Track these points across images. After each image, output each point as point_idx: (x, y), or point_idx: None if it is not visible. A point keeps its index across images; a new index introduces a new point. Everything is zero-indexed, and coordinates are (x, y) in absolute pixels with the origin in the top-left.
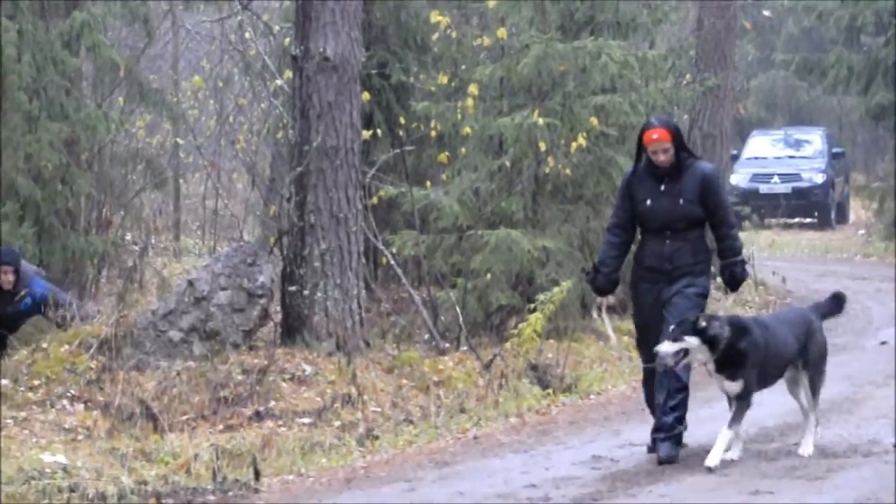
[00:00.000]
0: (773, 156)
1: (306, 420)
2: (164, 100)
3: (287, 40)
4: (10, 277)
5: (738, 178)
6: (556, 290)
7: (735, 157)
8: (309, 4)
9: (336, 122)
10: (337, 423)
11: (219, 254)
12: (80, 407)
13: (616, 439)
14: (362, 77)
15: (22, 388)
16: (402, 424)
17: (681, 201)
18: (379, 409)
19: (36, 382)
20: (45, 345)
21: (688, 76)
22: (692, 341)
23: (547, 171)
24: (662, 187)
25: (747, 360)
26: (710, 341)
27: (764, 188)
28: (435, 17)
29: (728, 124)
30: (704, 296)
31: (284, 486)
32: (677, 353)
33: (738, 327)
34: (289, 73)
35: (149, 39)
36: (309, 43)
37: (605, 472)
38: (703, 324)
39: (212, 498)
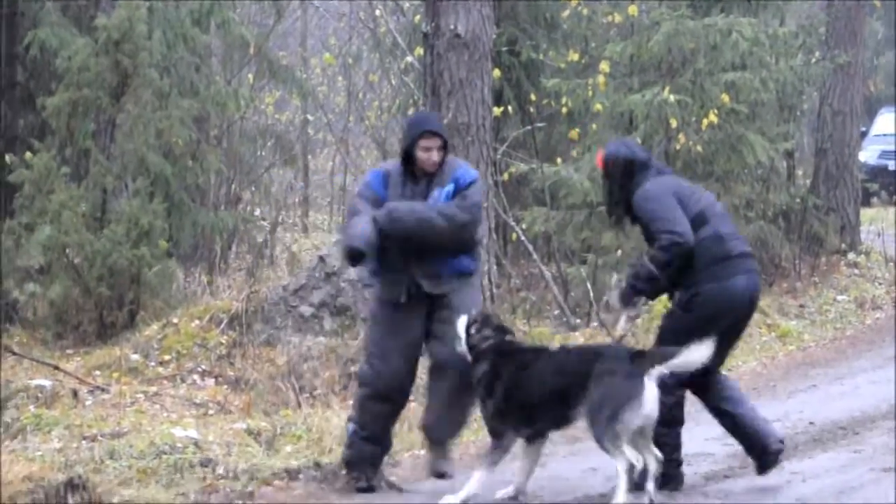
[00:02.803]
0: None
1: None
2: (293, 76)
3: (417, 17)
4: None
5: (867, 154)
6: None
7: (864, 135)
8: None
9: (467, 98)
10: None
11: None
12: (211, 382)
13: None
14: (493, 54)
15: (153, 363)
16: None
17: None
18: None
19: (167, 357)
20: (175, 320)
21: (818, 53)
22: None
23: (677, 147)
24: None
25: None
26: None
27: (893, 165)
28: None
29: (858, 102)
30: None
31: (416, 460)
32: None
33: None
34: (419, 50)
35: (278, 16)
36: (440, 20)
37: (737, 449)
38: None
39: (345, 473)
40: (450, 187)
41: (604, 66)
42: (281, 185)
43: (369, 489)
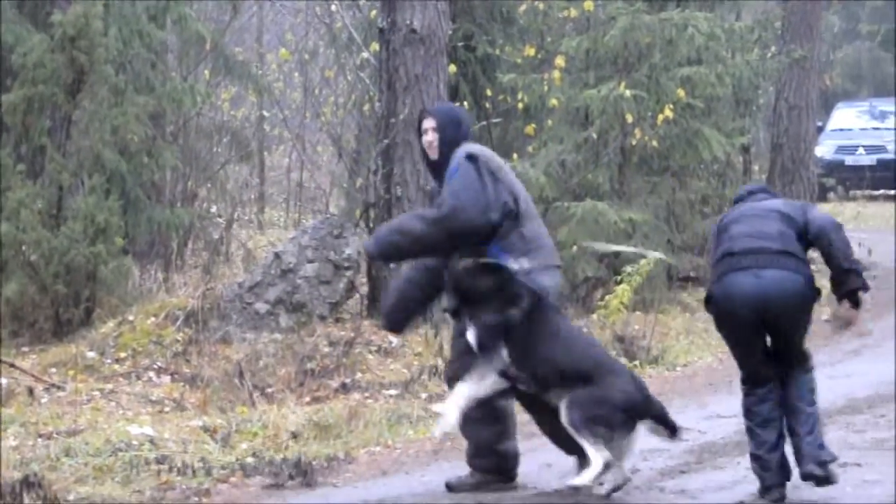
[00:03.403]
0: (858, 127)
1: (393, 392)
2: (249, 72)
3: (373, 13)
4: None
5: (823, 149)
6: (643, 261)
7: (820, 129)
8: None
9: (423, 94)
10: (424, 395)
11: (305, 226)
12: (167, 379)
13: (703, 411)
14: (449, 49)
15: (109, 361)
16: None
17: None
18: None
19: (123, 355)
20: (131, 317)
21: (774, 48)
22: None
23: (633, 142)
24: None
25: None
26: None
27: (849, 160)
28: None
29: (814, 96)
30: None
31: (371, 457)
32: None
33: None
34: (375, 46)
35: (234, 12)
36: (396, 15)
37: (693, 444)
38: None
39: (298, 471)
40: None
41: (559, 61)
42: (237, 182)
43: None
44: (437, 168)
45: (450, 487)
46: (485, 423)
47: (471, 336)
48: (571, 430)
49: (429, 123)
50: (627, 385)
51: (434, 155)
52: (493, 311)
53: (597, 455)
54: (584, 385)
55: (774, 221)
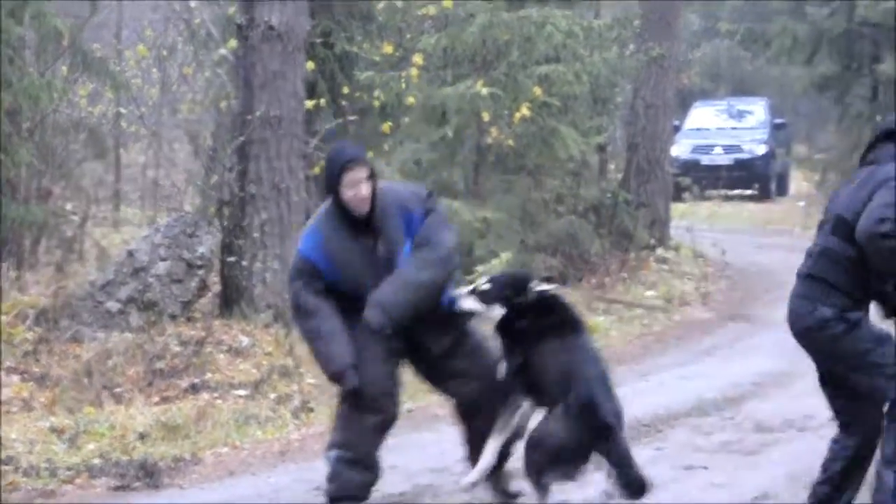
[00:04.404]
0: (715, 127)
1: (242, 392)
2: (107, 69)
3: (232, 9)
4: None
5: (680, 149)
6: (495, 261)
7: (677, 128)
8: None
9: (279, 91)
10: (273, 396)
11: (159, 224)
12: (16, 378)
13: None
14: (307, 46)
15: None
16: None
17: None
18: (315, 382)
19: None
20: None
21: (632, 46)
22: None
23: (489, 141)
24: None
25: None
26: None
27: (705, 159)
28: None
29: (671, 95)
30: None
31: (218, 458)
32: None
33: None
34: (233, 43)
35: (93, 8)
36: (254, 12)
37: None
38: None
39: (144, 472)
40: (401, 236)
41: (417, 58)
42: (93, 179)
43: None
44: (369, 225)
45: None
46: None
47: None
48: (524, 472)
49: (361, 174)
50: (602, 418)
51: (365, 208)
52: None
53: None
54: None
55: None
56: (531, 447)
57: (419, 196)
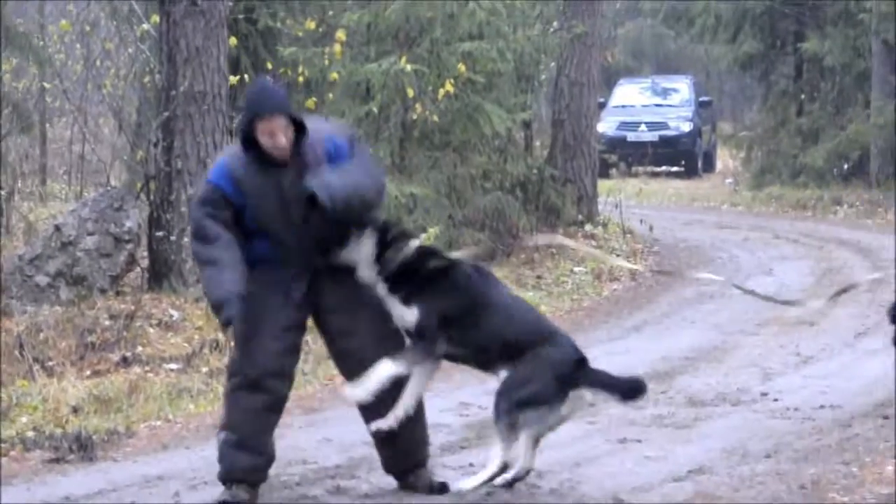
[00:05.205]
0: (640, 104)
1: (174, 366)
2: (30, 44)
3: None
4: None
5: (606, 126)
6: (423, 236)
7: (602, 105)
8: None
9: (203, 66)
10: (205, 369)
11: (86, 199)
12: None
13: (483, 387)
14: (229, 22)
15: None
16: None
17: None
18: None
19: None
20: None
21: (555, 23)
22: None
23: (414, 117)
24: None
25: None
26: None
27: (631, 136)
28: None
29: (596, 72)
30: None
31: (152, 432)
32: None
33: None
34: (156, 18)
35: None
36: None
37: (473, 420)
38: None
39: (79, 445)
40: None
41: (340, 34)
42: (18, 154)
43: None
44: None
45: None
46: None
47: (410, 318)
48: (494, 418)
49: (276, 124)
50: (563, 354)
51: (284, 156)
52: (438, 293)
53: (497, 457)
54: (523, 356)
55: None
56: (501, 394)
57: (344, 129)
